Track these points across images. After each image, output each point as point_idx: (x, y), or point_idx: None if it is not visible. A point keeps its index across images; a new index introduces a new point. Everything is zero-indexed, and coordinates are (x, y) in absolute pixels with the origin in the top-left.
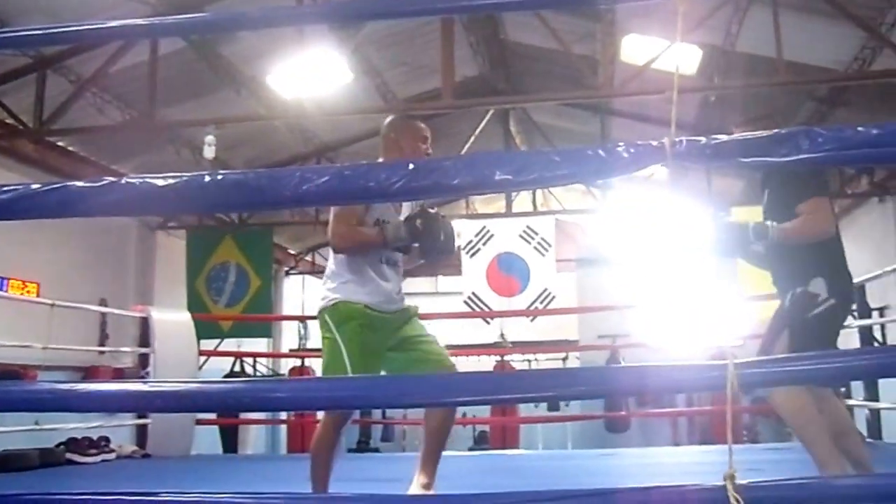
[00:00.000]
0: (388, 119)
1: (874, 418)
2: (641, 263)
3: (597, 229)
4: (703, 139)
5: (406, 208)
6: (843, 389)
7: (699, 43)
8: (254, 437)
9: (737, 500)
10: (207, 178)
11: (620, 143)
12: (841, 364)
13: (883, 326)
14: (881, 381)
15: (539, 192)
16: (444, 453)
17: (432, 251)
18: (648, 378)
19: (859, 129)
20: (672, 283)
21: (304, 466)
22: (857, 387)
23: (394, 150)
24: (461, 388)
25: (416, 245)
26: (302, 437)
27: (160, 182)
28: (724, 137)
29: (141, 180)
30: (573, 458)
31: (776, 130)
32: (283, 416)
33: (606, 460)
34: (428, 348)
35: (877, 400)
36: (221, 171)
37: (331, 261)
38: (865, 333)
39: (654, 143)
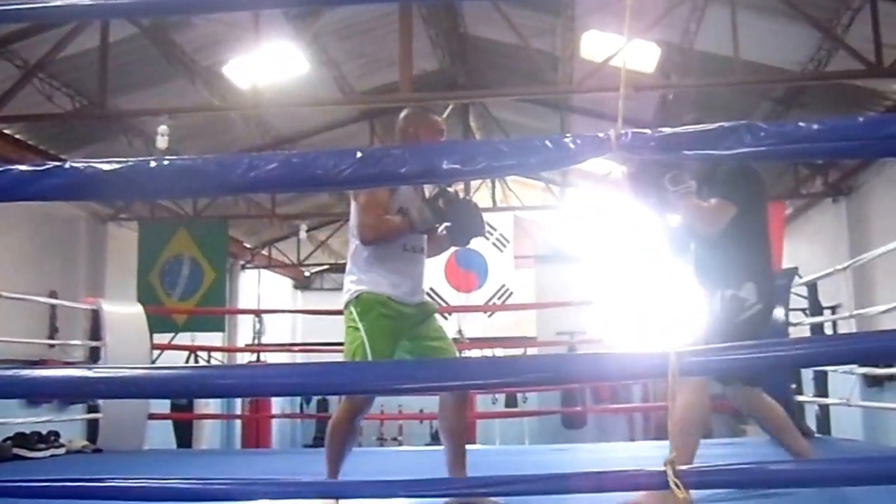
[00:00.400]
0: (405, 112)
1: (824, 414)
2: (600, 261)
3: (556, 226)
4: (648, 131)
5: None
6: (794, 386)
7: (657, 41)
8: (209, 433)
9: (676, 484)
10: (154, 164)
11: (567, 135)
12: (780, 353)
13: (834, 324)
14: (830, 378)
15: (498, 189)
16: (400, 449)
17: (461, 232)
18: (591, 365)
19: (800, 124)
20: (630, 280)
21: (258, 461)
22: (808, 384)
23: (412, 143)
24: (411, 376)
25: (445, 227)
26: (257, 432)
27: (106, 167)
28: (669, 130)
29: (86, 165)
30: (528, 454)
31: (720, 124)
32: (238, 411)
33: (561, 455)
34: (435, 354)
35: (826, 396)
36: (169, 157)
37: (351, 253)
38: (817, 331)
39: (601, 134)
